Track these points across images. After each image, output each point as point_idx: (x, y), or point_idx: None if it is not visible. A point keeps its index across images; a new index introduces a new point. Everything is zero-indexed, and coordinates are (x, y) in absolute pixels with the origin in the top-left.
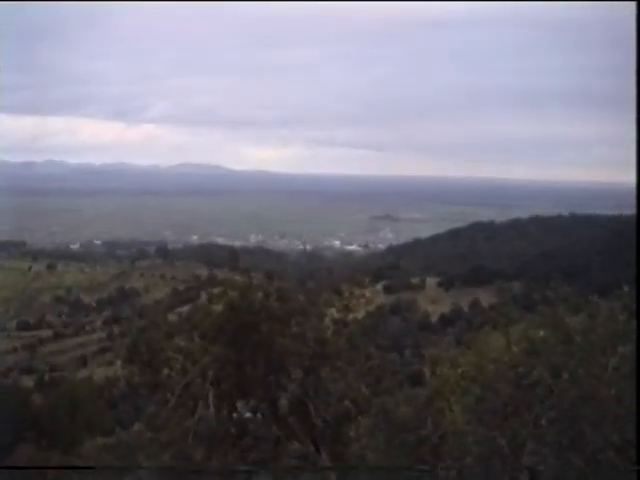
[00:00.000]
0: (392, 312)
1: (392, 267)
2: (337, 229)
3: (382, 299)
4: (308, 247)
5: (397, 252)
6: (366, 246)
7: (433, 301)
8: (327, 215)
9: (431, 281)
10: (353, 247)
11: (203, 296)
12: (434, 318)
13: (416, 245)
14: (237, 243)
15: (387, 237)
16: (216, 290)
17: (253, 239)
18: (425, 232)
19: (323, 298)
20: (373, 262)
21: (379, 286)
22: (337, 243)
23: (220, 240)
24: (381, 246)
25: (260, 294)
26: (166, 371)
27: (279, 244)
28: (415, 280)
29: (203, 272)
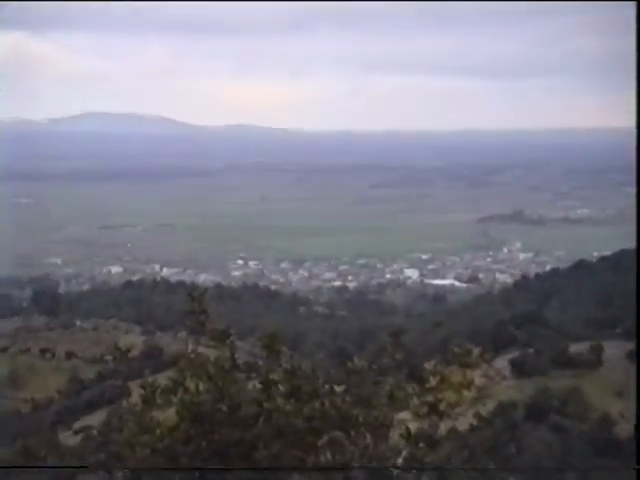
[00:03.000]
0: (529, 416)
1: (529, 320)
2: (411, 246)
3: (510, 391)
4: (353, 283)
5: (538, 291)
6: (474, 279)
7: (618, 393)
8: (388, 216)
9: (614, 350)
10: (446, 282)
11: (135, 394)
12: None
13: (574, 275)
14: (205, 277)
15: (515, 259)
16: (162, 380)
17: (237, 267)
18: (593, 246)
19: (385, 389)
20: (487, 312)
21: (502, 362)
22: (412, 274)
23: (170, 272)
24: (504, 278)
25: (255, 388)
26: None
27: (291, 276)
28: (578, 348)
29: (134, 339)
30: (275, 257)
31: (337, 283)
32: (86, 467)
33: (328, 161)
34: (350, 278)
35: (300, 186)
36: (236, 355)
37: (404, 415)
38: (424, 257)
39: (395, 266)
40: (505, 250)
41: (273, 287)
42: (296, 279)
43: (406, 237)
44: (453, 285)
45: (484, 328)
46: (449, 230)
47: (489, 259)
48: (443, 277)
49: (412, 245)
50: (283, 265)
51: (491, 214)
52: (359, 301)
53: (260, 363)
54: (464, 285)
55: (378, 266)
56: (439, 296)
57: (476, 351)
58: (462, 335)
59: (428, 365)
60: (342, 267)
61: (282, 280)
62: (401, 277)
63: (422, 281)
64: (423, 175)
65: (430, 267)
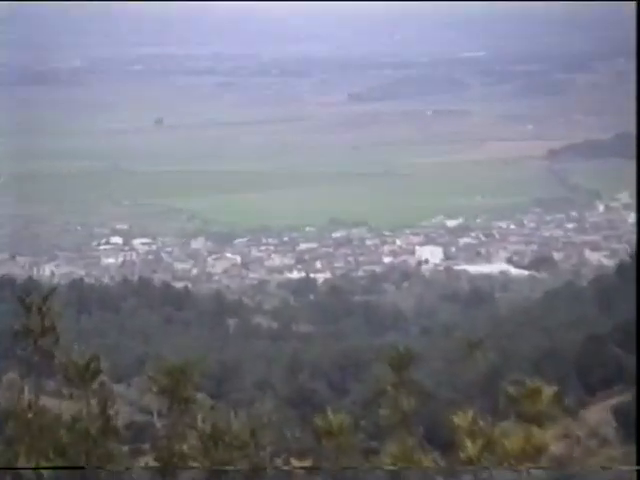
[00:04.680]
0: None
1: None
2: (428, 204)
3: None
4: (325, 274)
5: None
6: (542, 263)
7: None
8: (384, 152)
9: None
10: (493, 267)
11: None
12: None
13: None
14: (53, 268)
15: (619, 224)
16: None
17: (111, 250)
18: None
19: (382, 465)
20: (568, 320)
21: (599, 411)
22: (431, 254)
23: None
24: (597, 259)
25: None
26: None
27: (212, 264)
28: None
29: None
30: (180, 230)
31: (295, 275)
32: (84, 468)
33: (280, 51)
34: (319, 265)
35: (222, 96)
36: (112, 409)
37: None
38: (451, 224)
39: (400, 242)
40: (600, 208)
41: (179, 284)
42: (221, 269)
43: (418, 189)
44: (505, 273)
45: (563, 351)
46: (494, 173)
47: (570, 225)
48: (487, 259)
49: (429, 203)
50: (196, 244)
51: (570, 142)
52: (335, 306)
53: (157, 424)
54: (524, 273)
55: (369, 242)
56: (480, 293)
57: (548, 391)
58: (522, 364)
59: (460, 419)
60: (304, 246)
61: (195, 271)
62: (411, 261)
63: (449, 267)
64: (443, 75)
65: (463, 241)
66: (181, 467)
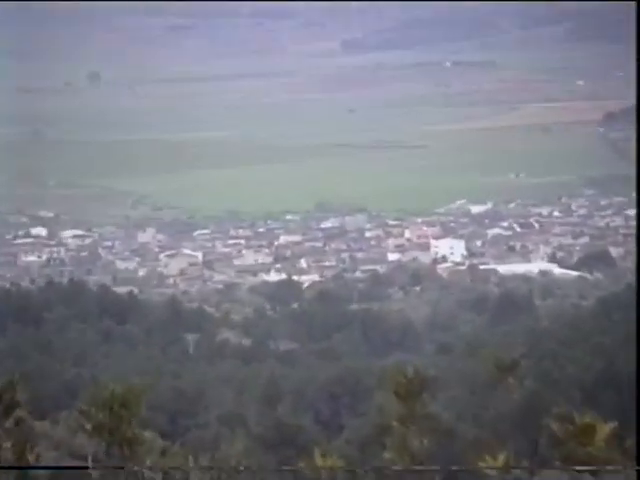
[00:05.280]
0: None
1: None
2: (443, 185)
3: None
4: (310, 275)
5: None
6: (594, 261)
7: None
8: (382, 119)
9: None
10: (531, 266)
11: None
12: None
13: None
14: None
15: None
16: None
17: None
18: None
19: None
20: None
21: None
22: (450, 249)
23: None
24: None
25: None
26: None
27: (165, 262)
28: None
29: None
30: (123, 218)
31: (272, 276)
32: (87, 468)
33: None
34: (303, 265)
35: (176, 43)
36: (33, 454)
37: None
38: (476, 210)
39: (409, 233)
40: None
41: (121, 289)
42: (177, 269)
43: (433, 164)
44: (547, 274)
45: (622, 375)
46: (532, 144)
47: (632, 212)
48: (524, 256)
49: (448, 182)
50: (143, 237)
51: (633, 103)
52: (325, 317)
53: (92, 472)
54: (572, 274)
55: (369, 234)
56: (514, 300)
57: (604, 429)
58: (569, 392)
59: (488, 464)
60: (284, 239)
61: (143, 272)
62: (424, 258)
63: (473, 266)
64: (465, 14)
65: (492, 233)
66: None
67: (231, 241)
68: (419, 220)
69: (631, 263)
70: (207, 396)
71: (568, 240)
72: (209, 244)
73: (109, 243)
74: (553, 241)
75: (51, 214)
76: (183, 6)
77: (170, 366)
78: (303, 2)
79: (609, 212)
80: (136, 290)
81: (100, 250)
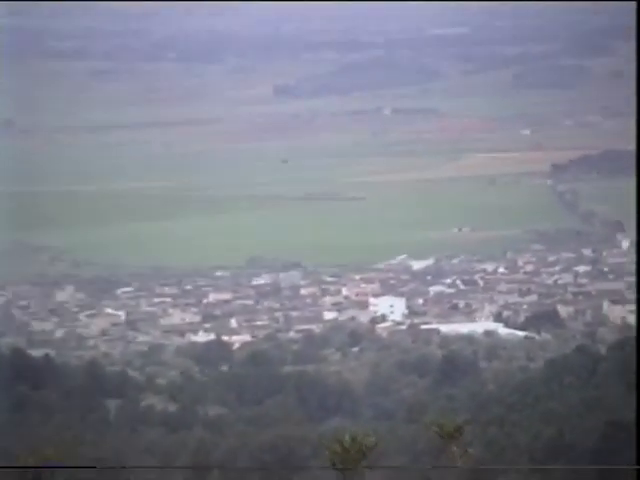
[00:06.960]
0: None
1: None
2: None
3: None
4: (242, 336)
5: None
6: (544, 320)
7: None
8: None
9: None
10: (474, 326)
11: None
12: None
13: None
14: None
15: None
16: None
17: None
18: None
19: None
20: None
21: None
22: (388, 307)
23: None
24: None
25: None
26: None
27: (84, 321)
28: None
29: None
30: (39, 276)
31: (201, 337)
32: (92, 468)
33: (177, 26)
34: (234, 324)
35: (96, 88)
36: None
37: None
38: (418, 266)
39: (346, 291)
40: (624, 244)
41: (36, 352)
42: (97, 329)
43: (372, 217)
44: (493, 334)
45: (575, 443)
46: (476, 197)
47: (582, 268)
48: (468, 316)
49: (387, 237)
50: (62, 295)
51: (583, 154)
52: (257, 380)
53: None
54: (519, 334)
55: (304, 292)
56: (457, 362)
57: None
58: (518, 460)
59: None
60: (213, 297)
61: (60, 333)
62: (362, 317)
63: (414, 325)
64: (406, 59)
65: (434, 290)
66: None
67: (156, 299)
68: (357, 277)
69: (581, 324)
70: (129, 467)
71: (514, 298)
72: (133, 302)
73: (24, 302)
74: (498, 299)
75: None
76: (106, 49)
77: (89, 435)
78: (233, 46)
79: (557, 269)
80: (53, 353)
81: (13, 310)
